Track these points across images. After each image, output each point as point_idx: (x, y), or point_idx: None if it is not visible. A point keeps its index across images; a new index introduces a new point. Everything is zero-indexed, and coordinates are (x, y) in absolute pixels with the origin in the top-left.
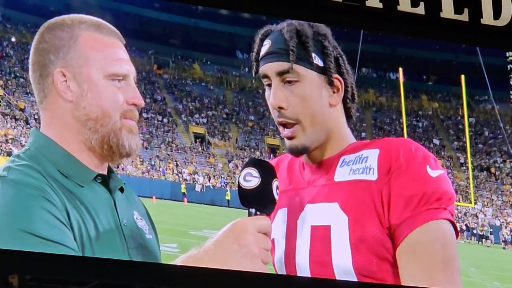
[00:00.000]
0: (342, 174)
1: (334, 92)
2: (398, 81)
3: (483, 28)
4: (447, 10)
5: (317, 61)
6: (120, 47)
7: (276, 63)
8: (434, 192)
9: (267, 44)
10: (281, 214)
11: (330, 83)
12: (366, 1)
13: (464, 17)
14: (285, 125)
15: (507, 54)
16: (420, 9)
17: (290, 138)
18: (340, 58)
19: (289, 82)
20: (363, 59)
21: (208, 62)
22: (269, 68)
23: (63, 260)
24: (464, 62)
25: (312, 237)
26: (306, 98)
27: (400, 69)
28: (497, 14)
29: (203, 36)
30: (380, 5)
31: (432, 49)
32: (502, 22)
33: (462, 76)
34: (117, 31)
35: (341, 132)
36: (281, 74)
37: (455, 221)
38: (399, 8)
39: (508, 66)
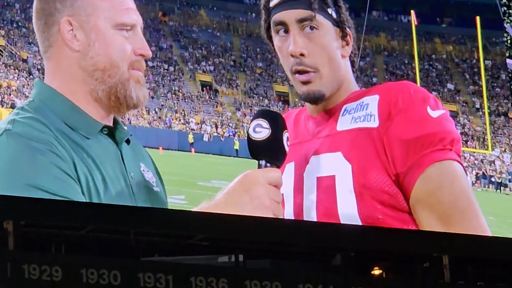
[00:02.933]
0: (344, 123)
1: (346, 45)
2: (410, 24)
3: None
4: None
5: (331, 12)
6: None
7: (296, 10)
8: (436, 133)
9: None
10: (288, 169)
11: (343, 36)
12: None
13: None
14: (302, 72)
15: None
16: None
17: (306, 82)
18: (347, 11)
19: (310, 29)
20: (373, 2)
21: (215, 8)
22: (289, 15)
23: (58, 206)
24: (479, 3)
25: (318, 188)
26: (325, 46)
27: (412, 12)
28: None
29: None
30: None
31: None
32: None
33: (478, 18)
34: None
35: (350, 82)
36: (302, 21)
37: (462, 162)
38: None
39: None
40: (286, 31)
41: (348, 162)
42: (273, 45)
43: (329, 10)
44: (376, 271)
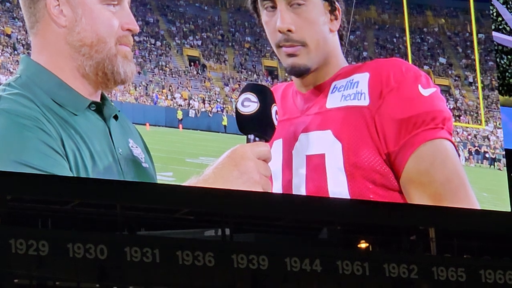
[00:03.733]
0: (334, 100)
1: (335, 19)
2: None
3: None
4: None
5: None
6: None
7: None
8: (428, 112)
9: None
10: (276, 146)
11: (332, 10)
12: None
13: None
14: (290, 46)
15: None
16: None
17: (292, 55)
18: None
19: (297, 5)
20: None
21: None
22: None
23: (44, 180)
24: None
25: (308, 166)
26: (313, 21)
27: None
28: None
29: None
30: None
31: None
32: None
33: None
34: None
35: (337, 57)
36: None
37: (453, 141)
38: None
39: None
40: (274, 6)
41: (338, 140)
42: (259, 18)
43: None
44: (363, 245)
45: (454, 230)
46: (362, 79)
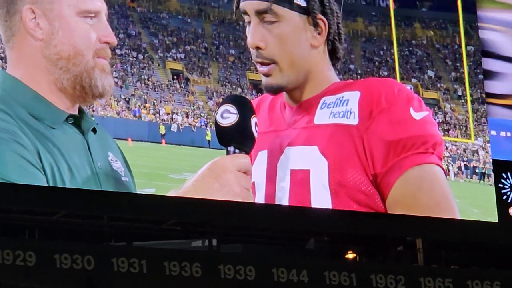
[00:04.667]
0: (322, 116)
1: (318, 34)
2: (388, 8)
3: None
4: None
5: (299, 1)
6: None
7: (255, 1)
8: (419, 136)
9: None
10: (261, 157)
11: (315, 24)
12: None
13: None
14: (262, 64)
15: None
16: None
17: (266, 75)
18: None
19: (268, 22)
20: None
21: None
22: (249, 5)
23: (30, 191)
24: None
25: (292, 181)
26: (285, 39)
27: None
28: None
29: None
30: None
31: None
32: None
33: (459, 1)
34: None
35: (322, 74)
36: (260, 13)
37: (443, 166)
38: None
39: None
40: (249, 21)
41: (324, 157)
42: None
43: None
44: (350, 255)
45: (441, 241)
46: (353, 97)
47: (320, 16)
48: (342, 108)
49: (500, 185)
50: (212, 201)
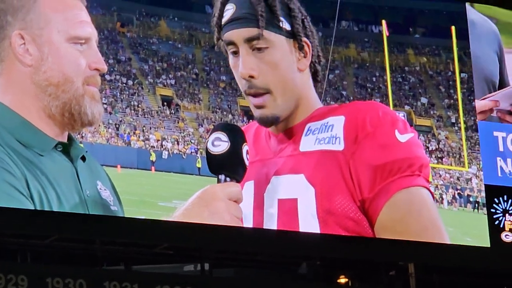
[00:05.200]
0: (307, 143)
1: (303, 57)
2: (381, 34)
3: None
4: None
5: (285, 25)
6: (82, 8)
7: (244, 29)
8: (404, 159)
9: (230, 8)
10: (248, 187)
11: (300, 48)
12: None
13: None
14: (254, 95)
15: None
16: None
17: (260, 107)
18: (305, 20)
19: (259, 49)
20: (343, 12)
21: (175, 19)
22: (237, 34)
23: (23, 215)
24: (454, 12)
25: (280, 211)
26: (277, 65)
27: (384, 22)
28: None
29: None
30: None
31: None
32: None
33: (453, 27)
34: None
35: (309, 98)
36: (250, 40)
37: (430, 188)
38: None
39: None
40: (236, 51)
41: (311, 185)
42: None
43: (281, 23)
44: (342, 280)
45: (433, 266)
46: (337, 122)
47: (304, 39)
48: (327, 134)
49: (492, 210)
50: (204, 225)
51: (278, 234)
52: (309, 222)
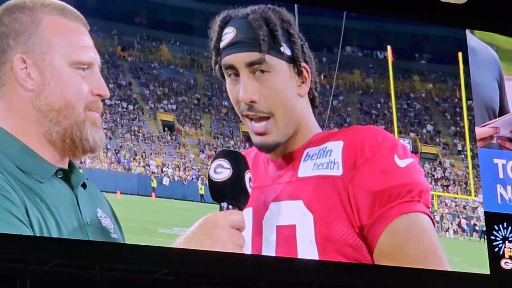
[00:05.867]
0: (306, 169)
1: (302, 82)
2: (386, 60)
3: (443, 6)
4: None
5: (285, 50)
6: (84, 33)
7: (246, 53)
8: (403, 185)
9: (230, 32)
10: (246, 214)
11: (299, 73)
12: None
13: None
14: (255, 119)
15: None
16: None
17: (261, 134)
18: (304, 45)
19: (260, 73)
20: (347, 37)
21: (177, 43)
22: (238, 58)
23: (22, 240)
24: (461, 38)
25: (278, 238)
26: (278, 90)
27: (389, 47)
28: None
29: (171, 14)
30: None
31: (424, 24)
32: None
33: (460, 54)
34: (81, 16)
35: (307, 123)
36: (251, 65)
37: (430, 214)
38: None
39: None
40: (236, 74)
41: (309, 211)
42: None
43: (282, 48)
44: None
45: None
46: (336, 147)
47: (303, 64)
48: (325, 159)
49: (492, 237)
50: (204, 251)
51: (277, 261)
52: (307, 249)
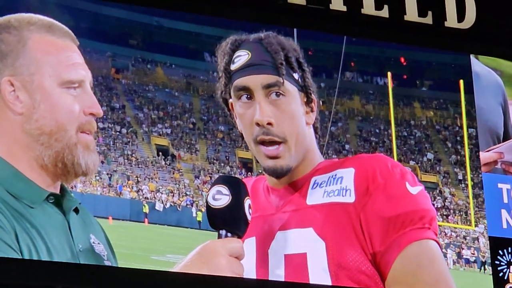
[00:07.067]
0: (315, 196)
1: (311, 111)
2: (386, 86)
3: (447, 31)
4: (411, 13)
5: (297, 76)
6: (74, 49)
7: (262, 75)
8: (416, 211)
9: (244, 55)
10: (249, 244)
11: (308, 102)
12: (330, 4)
13: (428, 20)
14: (268, 143)
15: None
16: (384, 12)
17: (274, 157)
18: (309, 74)
19: (276, 96)
20: (347, 62)
21: (173, 66)
22: (253, 80)
23: (19, 265)
24: (463, 65)
25: (287, 267)
26: (293, 114)
27: (389, 73)
28: (461, 17)
29: (166, 36)
30: (344, 8)
31: (426, 50)
32: (466, 24)
33: (461, 81)
34: (70, 32)
35: (313, 152)
36: (268, 87)
37: (439, 241)
38: (363, 11)
39: None
40: (250, 97)
41: (321, 239)
42: (229, 110)
43: (295, 75)
44: None
45: None
46: (347, 174)
47: (312, 95)
48: (336, 186)
49: (497, 262)
50: (203, 275)
51: (288, 286)
52: (320, 277)
